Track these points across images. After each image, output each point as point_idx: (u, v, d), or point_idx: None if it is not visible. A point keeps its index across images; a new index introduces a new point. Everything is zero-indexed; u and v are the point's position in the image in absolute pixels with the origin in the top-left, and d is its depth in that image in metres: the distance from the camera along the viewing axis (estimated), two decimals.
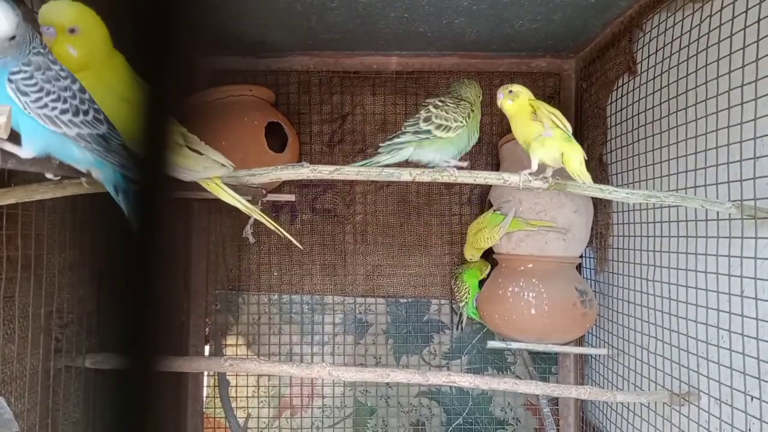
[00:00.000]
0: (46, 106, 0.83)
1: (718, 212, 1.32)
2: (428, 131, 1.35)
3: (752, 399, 1.21)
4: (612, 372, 1.91)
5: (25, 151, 0.87)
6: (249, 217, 1.85)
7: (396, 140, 1.36)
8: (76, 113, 0.86)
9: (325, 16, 1.80)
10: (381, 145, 1.36)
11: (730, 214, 1.27)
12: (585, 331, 1.99)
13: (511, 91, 1.37)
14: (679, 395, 1.44)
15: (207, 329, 2.22)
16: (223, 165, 1.15)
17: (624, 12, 1.77)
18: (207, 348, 2.22)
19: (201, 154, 1.13)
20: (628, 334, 1.79)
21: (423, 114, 1.38)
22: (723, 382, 1.31)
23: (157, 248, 0.45)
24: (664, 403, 1.51)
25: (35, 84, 0.82)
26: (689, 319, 1.45)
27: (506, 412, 2.28)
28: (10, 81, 0.81)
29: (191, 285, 2.21)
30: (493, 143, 2.23)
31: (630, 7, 1.73)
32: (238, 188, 1.50)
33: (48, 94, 0.83)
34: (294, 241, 1.40)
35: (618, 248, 1.89)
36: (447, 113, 1.37)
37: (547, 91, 2.25)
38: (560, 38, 2.00)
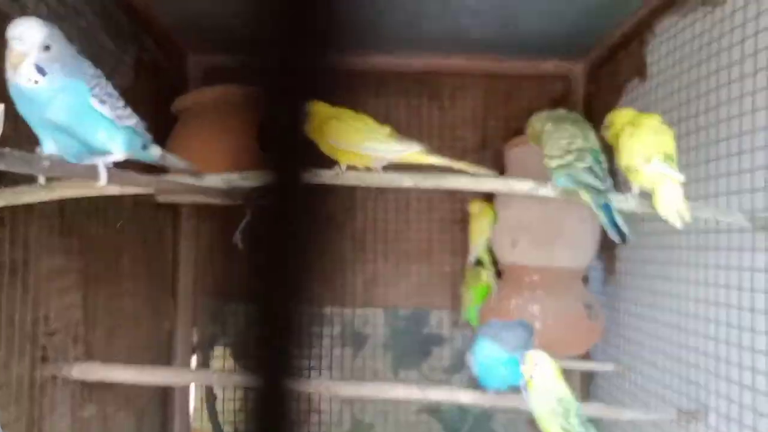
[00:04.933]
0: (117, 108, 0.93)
1: (729, 223, 1.28)
2: None
3: (761, 416, 1.18)
4: (618, 388, 1.86)
5: (118, 153, 0.94)
6: (239, 222, 1.80)
7: None
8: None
9: None
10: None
11: (742, 225, 1.24)
12: (591, 346, 1.95)
13: None
14: (687, 413, 1.40)
15: (194, 339, 2.18)
16: None
17: (634, 14, 1.74)
18: (194, 359, 2.17)
19: None
20: (636, 348, 1.75)
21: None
22: (732, 399, 1.28)
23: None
24: (671, 420, 1.47)
25: (106, 92, 0.91)
26: (698, 333, 1.41)
27: (508, 430, 2.22)
28: (94, 96, 0.88)
29: (178, 293, 2.16)
30: (498, 148, 2.19)
31: (640, 9, 1.70)
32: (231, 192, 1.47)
33: (110, 96, 0.92)
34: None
35: (626, 260, 1.85)
36: None
37: (556, 95, 2.21)
38: (569, 40, 1.98)
